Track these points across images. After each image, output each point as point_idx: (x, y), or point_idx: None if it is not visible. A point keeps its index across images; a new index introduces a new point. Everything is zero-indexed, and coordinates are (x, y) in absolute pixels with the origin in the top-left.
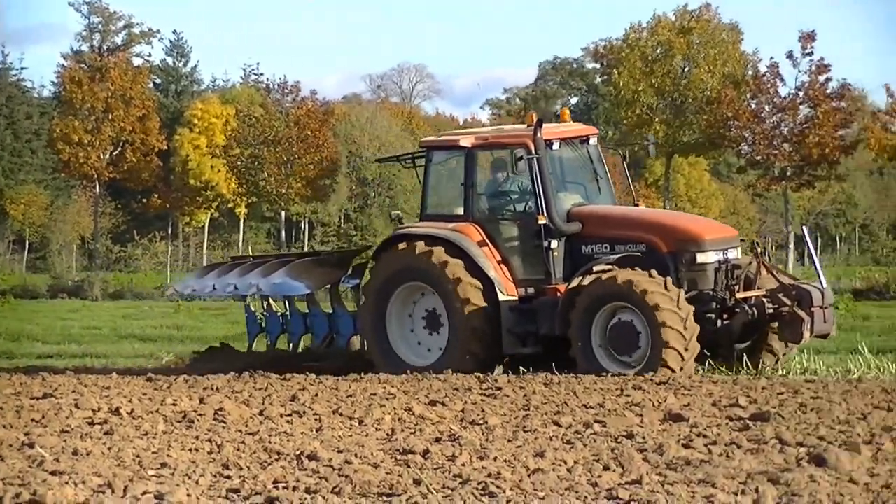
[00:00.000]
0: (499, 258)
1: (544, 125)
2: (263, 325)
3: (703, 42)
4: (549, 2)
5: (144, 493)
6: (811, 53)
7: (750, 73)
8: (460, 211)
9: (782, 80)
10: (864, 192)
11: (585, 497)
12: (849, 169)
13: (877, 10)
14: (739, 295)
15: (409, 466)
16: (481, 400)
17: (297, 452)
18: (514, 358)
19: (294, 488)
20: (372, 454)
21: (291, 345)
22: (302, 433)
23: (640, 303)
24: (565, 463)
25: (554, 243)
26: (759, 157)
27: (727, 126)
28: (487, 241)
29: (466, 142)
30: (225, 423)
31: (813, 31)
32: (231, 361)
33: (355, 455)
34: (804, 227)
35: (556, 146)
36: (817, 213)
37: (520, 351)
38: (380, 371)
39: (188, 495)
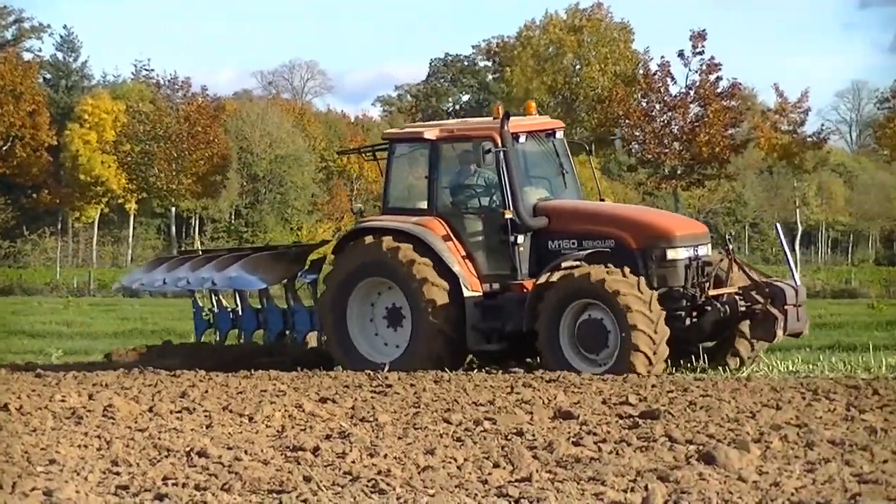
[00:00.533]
0: (463, 253)
1: (510, 118)
2: (211, 321)
3: (595, 41)
4: None
5: (33, 489)
6: (702, 52)
7: (641, 71)
8: (423, 205)
9: (673, 78)
10: (754, 191)
11: (475, 494)
12: (738, 168)
13: (766, 9)
14: (711, 292)
15: (299, 463)
16: (371, 397)
17: (187, 449)
18: (479, 355)
19: (183, 485)
20: (262, 451)
21: (242, 341)
22: (192, 430)
23: (612, 302)
24: (455, 460)
25: (520, 238)
26: (649, 156)
27: (618, 124)
28: (452, 235)
29: (431, 134)
30: (114, 419)
31: (703, 30)
32: (185, 356)
33: (245, 452)
34: (777, 225)
35: (522, 139)
36: (707, 211)
37: (484, 348)
38: (341, 367)
39: (77, 492)
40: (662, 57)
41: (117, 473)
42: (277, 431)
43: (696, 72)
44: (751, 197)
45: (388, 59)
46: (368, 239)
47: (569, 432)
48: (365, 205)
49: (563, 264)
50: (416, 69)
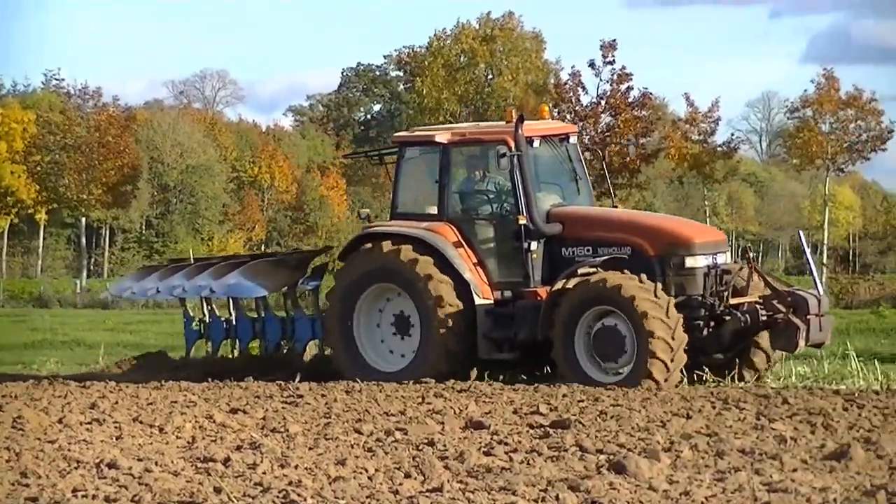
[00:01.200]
0: (474, 260)
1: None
2: (202, 331)
3: (506, 50)
4: (351, 9)
5: None
6: (612, 62)
7: (552, 81)
8: (433, 210)
9: (584, 88)
10: (664, 201)
11: None
12: (649, 177)
13: (678, 20)
14: (733, 301)
15: (209, 474)
16: (283, 408)
17: (97, 460)
18: (490, 364)
19: (93, 496)
20: (172, 462)
21: (238, 351)
22: (101, 441)
23: (629, 309)
24: (366, 471)
25: (533, 245)
26: None
27: None
28: (463, 241)
29: (442, 138)
30: (23, 430)
31: (614, 40)
32: (173, 369)
33: (155, 463)
34: (800, 233)
35: (536, 144)
36: None
37: (496, 356)
38: (347, 378)
39: None
40: (573, 67)
41: (26, 485)
42: (188, 442)
43: (607, 82)
44: (661, 206)
45: (299, 69)
46: (377, 244)
47: (480, 442)
48: (277, 214)
49: (580, 271)
50: (328, 79)
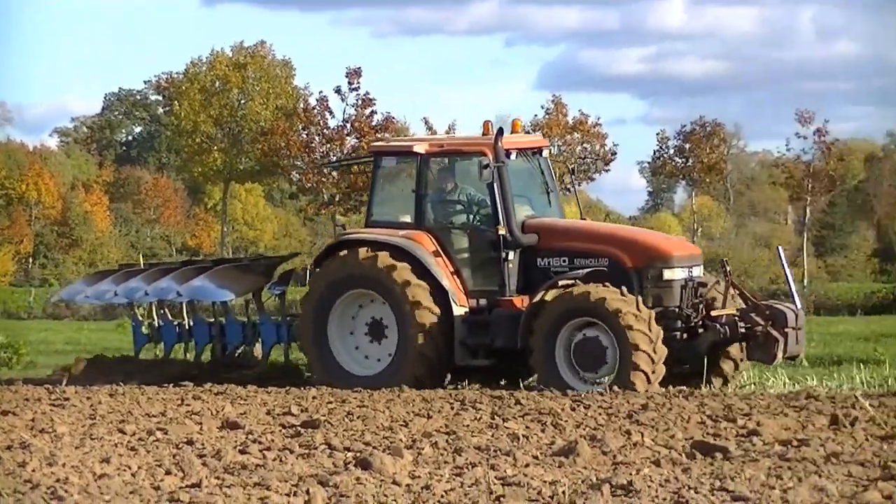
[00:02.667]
0: (451, 268)
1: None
2: (151, 335)
3: (258, 77)
4: (115, 37)
5: None
6: (357, 88)
7: (301, 105)
8: (407, 218)
9: (331, 112)
10: None
11: (149, 500)
12: None
13: (418, 49)
14: (714, 313)
15: None
16: (50, 409)
17: None
18: (465, 370)
19: None
20: None
21: (192, 355)
22: None
23: (612, 321)
24: (130, 468)
25: (511, 255)
26: (309, 185)
27: (280, 155)
28: (440, 250)
29: (420, 148)
30: None
31: (359, 67)
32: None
33: None
34: (779, 248)
35: (512, 156)
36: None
37: (471, 363)
38: (319, 382)
39: None
40: (321, 92)
41: None
42: None
43: (353, 106)
44: None
45: (65, 93)
46: (353, 251)
47: (236, 441)
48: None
49: (560, 282)
50: (92, 103)
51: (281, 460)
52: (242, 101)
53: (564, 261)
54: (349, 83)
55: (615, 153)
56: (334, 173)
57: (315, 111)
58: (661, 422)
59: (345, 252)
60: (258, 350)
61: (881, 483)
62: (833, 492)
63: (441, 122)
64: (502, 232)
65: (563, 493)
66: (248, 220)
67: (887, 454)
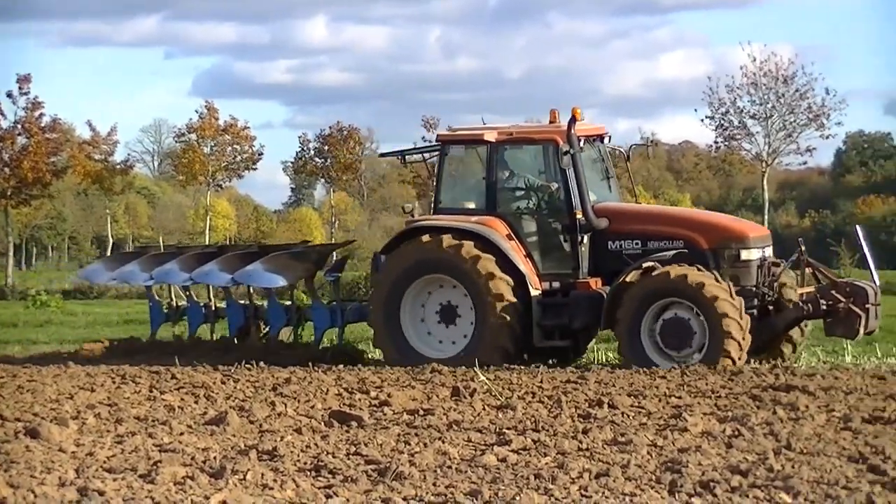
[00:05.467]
0: (523, 252)
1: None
2: (169, 315)
3: None
4: None
5: None
6: (28, 93)
7: None
8: (474, 205)
9: (3, 114)
10: (72, 209)
11: None
12: (59, 189)
13: (86, 59)
14: (799, 291)
15: None
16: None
17: None
18: (542, 351)
19: None
20: None
21: (229, 335)
22: None
23: (698, 297)
24: None
25: (584, 238)
26: None
27: None
28: (512, 234)
29: (491, 136)
30: None
31: (28, 74)
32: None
33: None
34: (857, 227)
35: (581, 143)
36: (33, 226)
37: (549, 344)
38: (391, 364)
39: None
40: None
41: None
42: None
43: (23, 109)
44: (69, 214)
45: None
46: (427, 237)
47: None
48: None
49: (645, 264)
50: None
51: None
52: None
53: (637, 243)
54: (20, 89)
55: (262, 153)
56: (6, 168)
57: None
58: (302, 394)
59: (426, 237)
60: (284, 332)
61: (497, 448)
62: (455, 455)
63: (105, 124)
64: (579, 216)
65: (215, 458)
66: None
67: (502, 422)
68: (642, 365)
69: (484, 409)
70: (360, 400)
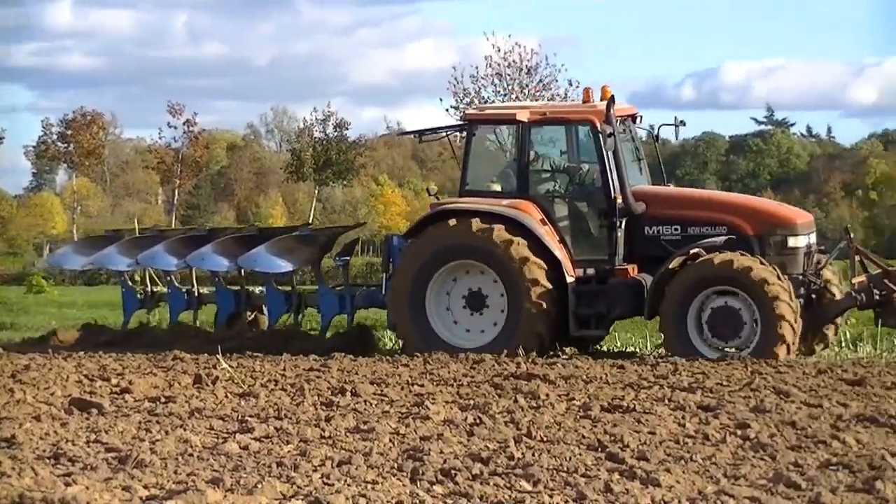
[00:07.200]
0: (557, 237)
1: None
2: (144, 302)
3: None
4: None
5: None
6: None
7: None
8: (499, 187)
9: None
10: None
11: None
12: None
13: None
14: (854, 280)
15: None
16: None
17: None
18: (578, 340)
19: None
20: None
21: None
22: None
23: (756, 291)
24: None
25: (622, 223)
26: None
27: None
28: (546, 218)
29: (524, 116)
30: None
31: None
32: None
33: None
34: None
35: (616, 123)
36: None
37: (586, 333)
38: (413, 351)
39: None
40: None
41: None
42: None
43: None
44: None
45: None
46: (454, 221)
47: None
48: None
49: (692, 251)
50: None
51: None
52: None
53: (676, 229)
54: None
55: (2, 137)
56: None
57: None
58: (42, 381)
59: (454, 221)
60: (262, 319)
61: (239, 435)
62: (196, 443)
63: None
64: (618, 200)
65: None
66: None
67: (244, 409)
68: (686, 354)
69: (226, 396)
70: (100, 387)
